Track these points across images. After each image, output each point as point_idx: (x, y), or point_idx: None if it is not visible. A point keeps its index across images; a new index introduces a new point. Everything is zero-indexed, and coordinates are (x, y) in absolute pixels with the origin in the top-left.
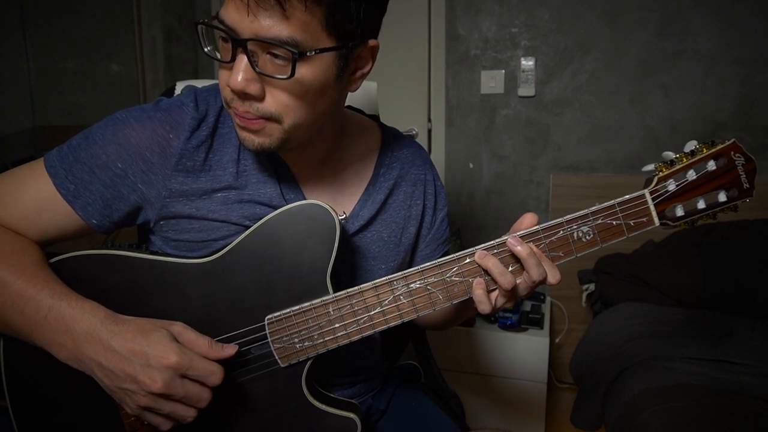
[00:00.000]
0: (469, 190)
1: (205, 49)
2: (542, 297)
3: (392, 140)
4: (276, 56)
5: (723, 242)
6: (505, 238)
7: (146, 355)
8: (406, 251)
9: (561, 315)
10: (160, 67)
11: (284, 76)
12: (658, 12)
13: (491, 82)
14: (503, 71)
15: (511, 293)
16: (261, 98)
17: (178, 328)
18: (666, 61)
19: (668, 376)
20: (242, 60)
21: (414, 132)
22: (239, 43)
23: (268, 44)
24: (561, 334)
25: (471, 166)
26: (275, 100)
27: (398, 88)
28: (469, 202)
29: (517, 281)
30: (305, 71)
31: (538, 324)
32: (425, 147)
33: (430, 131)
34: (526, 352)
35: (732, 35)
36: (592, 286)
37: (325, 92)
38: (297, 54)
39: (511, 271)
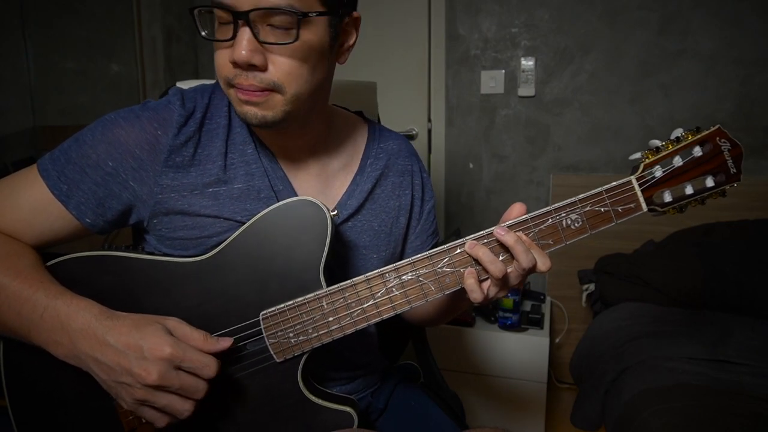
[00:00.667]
0: (469, 190)
1: (203, 33)
2: (542, 297)
3: (378, 133)
4: (275, 27)
5: (723, 242)
6: (494, 228)
7: (141, 348)
8: (397, 241)
9: (561, 315)
10: (160, 67)
11: (290, 41)
12: (658, 12)
13: (491, 82)
14: (503, 71)
15: (503, 282)
16: (264, 69)
17: (173, 322)
18: (666, 61)
19: (668, 376)
20: (245, 33)
21: (414, 132)
22: (241, 16)
23: (269, 12)
24: (561, 334)
25: (471, 166)
26: (278, 69)
27: (398, 88)
28: (469, 202)
29: (508, 270)
30: (307, 35)
31: (538, 324)
32: (425, 147)
33: (430, 131)
34: (526, 352)
35: (732, 35)
36: (592, 286)
37: (322, 60)
38: (300, 16)
39: (501, 260)
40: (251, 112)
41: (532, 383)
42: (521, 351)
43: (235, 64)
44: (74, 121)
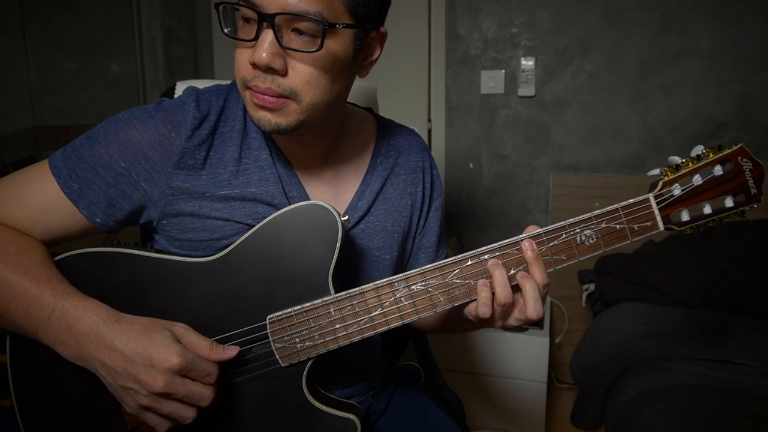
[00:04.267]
0: (469, 190)
1: (225, 30)
2: None
3: (388, 130)
4: (300, 33)
5: (723, 242)
6: (518, 238)
7: (149, 355)
8: (408, 240)
9: (561, 315)
10: (160, 67)
11: (313, 49)
12: (658, 12)
13: (491, 82)
14: (503, 71)
15: (502, 310)
16: (284, 74)
17: (180, 329)
18: (666, 61)
19: (668, 376)
20: (268, 35)
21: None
22: (266, 18)
23: (296, 17)
24: (561, 334)
25: (471, 166)
26: (298, 76)
27: (398, 88)
28: (469, 202)
29: (513, 308)
30: (331, 45)
31: (538, 324)
32: None
33: (430, 131)
34: (526, 352)
35: (732, 35)
36: (592, 286)
37: (343, 72)
38: (327, 26)
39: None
40: (265, 118)
41: (532, 383)
42: (521, 351)
43: (254, 66)
44: (74, 121)
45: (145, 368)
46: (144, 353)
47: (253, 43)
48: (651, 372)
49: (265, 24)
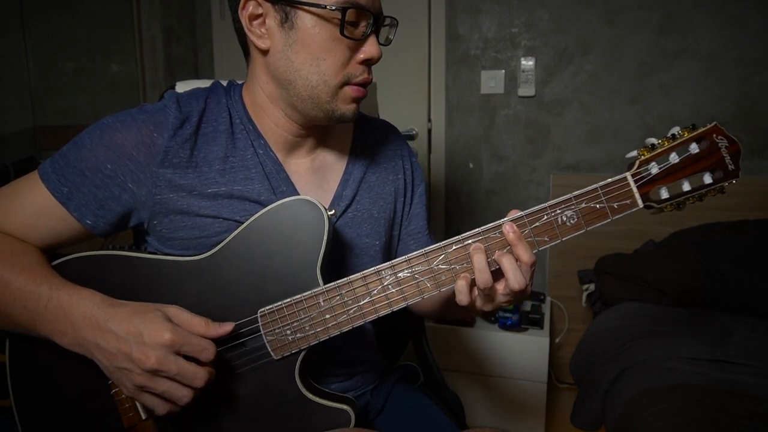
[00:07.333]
0: (469, 190)
1: (344, 33)
2: (542, 297)
3: (363, 121)
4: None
5: (723, 242)
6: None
7: (140, 333)
8: (394, 227)
9: (561, 315)
10: (160, 67)
11: (387, 43)
12: (658, 12)
13: (491, 82)
14: (503, 71)
15: (487, 295)
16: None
17: (174, 310)
18: (666, 61)
19: (668, 376)
20: (372, 34)
21: (414, 132)
22: (379, 18)
23: (391, 18)
24: (561, 334)
25: (471, 166)
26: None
27: (398, 88)
28: (469, 202)
29: (497, 286)
30: None
31: (538, 324)
32: (425, 147)
33: (430, 131)
34: (526, 352)
35: (732, 35)
36: (592, 286)
37: None
38: (397, 24)
39: (492, 271)
40: (355, 109)
41: (532, 383)
42: (521, 351)
43: (367, 62)
44: (74, 121)
45: (137, 346)
46: (136, 331)
47: (357, 43)
48: (651, 372)
49: (376, 23)
